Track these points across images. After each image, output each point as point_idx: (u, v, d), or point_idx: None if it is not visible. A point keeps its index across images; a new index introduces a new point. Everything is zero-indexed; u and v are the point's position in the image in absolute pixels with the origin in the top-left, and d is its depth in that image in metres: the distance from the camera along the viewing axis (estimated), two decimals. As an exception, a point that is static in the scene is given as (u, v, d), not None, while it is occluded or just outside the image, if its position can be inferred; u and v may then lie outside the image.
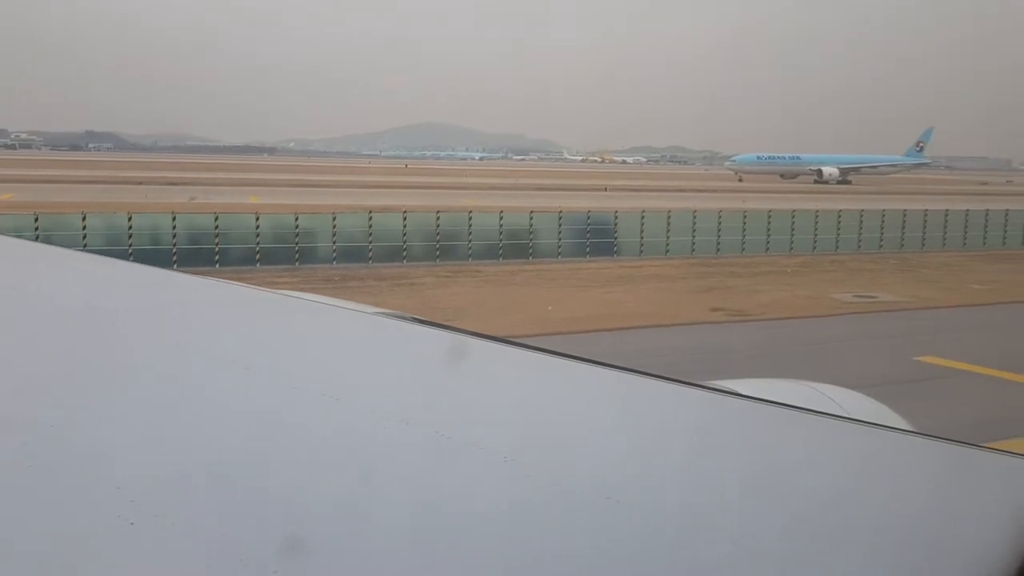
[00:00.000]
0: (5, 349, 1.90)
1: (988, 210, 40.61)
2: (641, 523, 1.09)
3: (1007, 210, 40.95)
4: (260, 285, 3.04)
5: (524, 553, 1.02)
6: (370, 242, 28.40)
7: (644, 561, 1.00)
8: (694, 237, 33.80)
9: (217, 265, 25.60)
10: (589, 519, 1.09)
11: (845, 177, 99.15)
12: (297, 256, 27.30)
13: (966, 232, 39.20)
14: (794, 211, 36.93)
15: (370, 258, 28.40)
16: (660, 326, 20.12)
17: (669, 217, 33.88)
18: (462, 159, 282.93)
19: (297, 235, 27.37)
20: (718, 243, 34.18)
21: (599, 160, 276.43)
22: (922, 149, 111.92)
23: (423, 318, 2.62)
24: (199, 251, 25.58)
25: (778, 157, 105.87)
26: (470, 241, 30.05)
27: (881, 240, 37.41)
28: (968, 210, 40.42)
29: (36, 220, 24.44)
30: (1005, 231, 39.94)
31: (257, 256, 26.63)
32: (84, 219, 24.77)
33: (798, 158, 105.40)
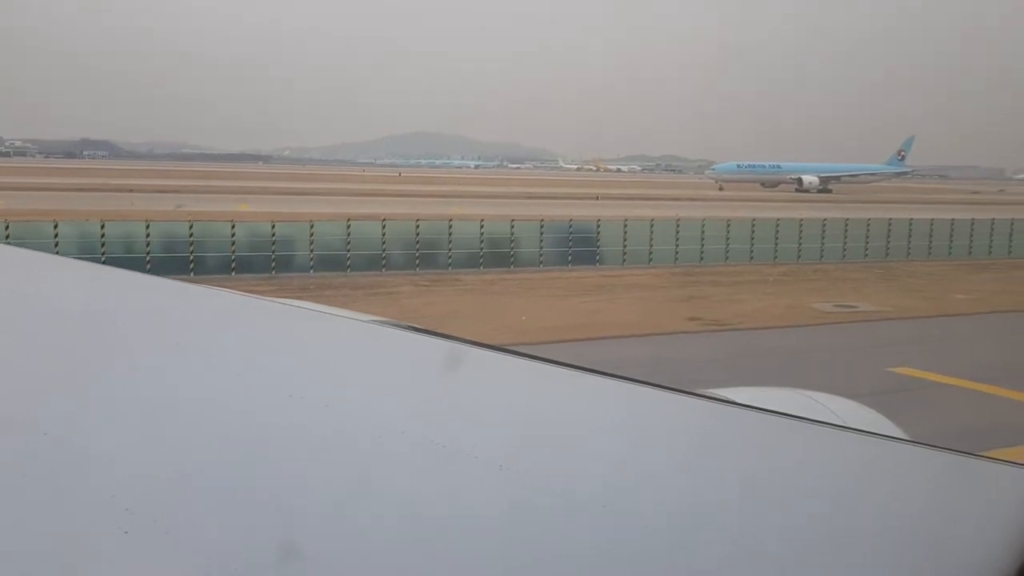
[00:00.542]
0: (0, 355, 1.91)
1: (974, 219, 40.53)
2: (637, 532, 1.09)
3: (993, 219, 40.87)
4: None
5: (520, 561, 1.03)
6: (348, 250, 28.19)
7: (640, 570, 1.00)
8: (677, 246, 33.64)
9: (191, 274, 25.35)
10: (585, 527, 1.09)
11: (825, 186, 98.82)
12: (274, 264, 27.05)
13: (951, 241, 39.09)
14: (778, 220, 36.79)
15: (348, 266, 28.17)
16: (633, 336, 19.91)
17: (652, 226, 33.72)
18: (458, 167, 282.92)
19: (274, 243, 27.12)
20: (701, 252, 34.02)
21: (594, 169, 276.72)
22: (903, 158, 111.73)
23: (419, 326, 2.59)
24: (173, 259, 25.30)
25: (758, 166, 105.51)
26: (450, 250, 29.87)
27: (866, 249, 37.28)
28: (953, 219, 40.34)
29: (7, 228, 24.20)
30: (991, 240, 39.85)
31: (233, 265, 26.38)
32: (56, 227, 24.53)
33: (778, 167, 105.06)
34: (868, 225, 37.96)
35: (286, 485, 1.24)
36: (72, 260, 3.40)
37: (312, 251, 27.73)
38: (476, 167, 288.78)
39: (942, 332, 22.17)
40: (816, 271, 33.34)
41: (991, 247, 39.61)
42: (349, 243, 28.23)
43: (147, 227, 25.53)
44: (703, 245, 34.12)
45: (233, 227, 26.84)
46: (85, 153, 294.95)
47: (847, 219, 38.48)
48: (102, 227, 24.78)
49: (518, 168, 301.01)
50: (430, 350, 2.09)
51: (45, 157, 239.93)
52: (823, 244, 36.33)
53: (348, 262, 28.17)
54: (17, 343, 1.99)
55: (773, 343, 19.90)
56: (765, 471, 1.29)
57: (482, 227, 30.90)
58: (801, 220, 37.08)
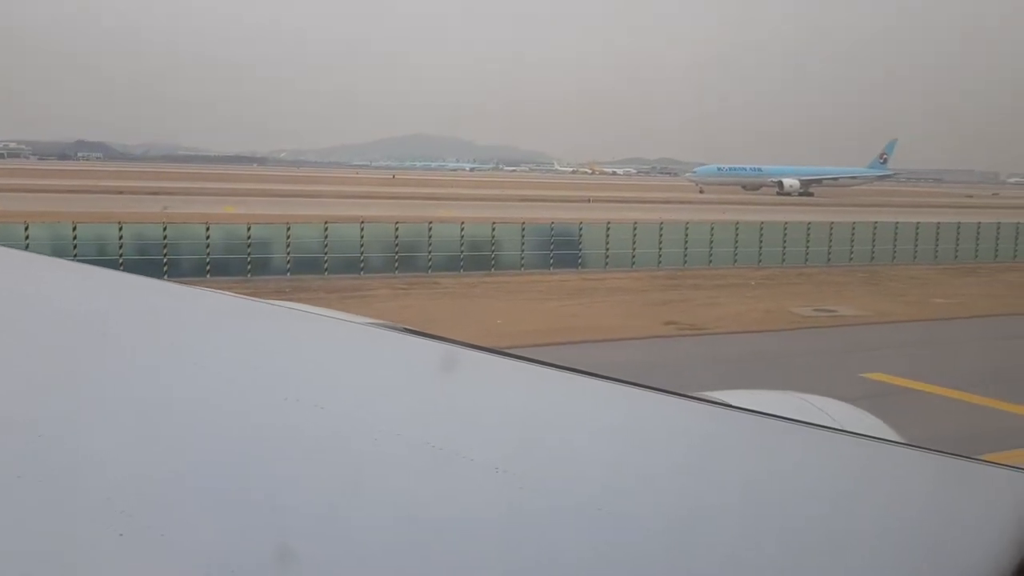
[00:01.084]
0: None
1: (960, 223, 40.43)
2: (632, 535, 1.09)
3: (979, 223, 40.77)
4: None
5: (515, 565, 1.03)
6: (326, 253, 27.96)
7: (635, 574, 1.00)
8: (661, 249, 33.45)
9: (165, 277, 25.07)
10: (581, 530, 1.09)
11: (806, 189, 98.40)
12: (249, 267, 26.79)
13: (937, 245, 38.97)
14: (762, 223, 36.62)
15: (326, 269, 27.94)
16: (607, 340, 19.72)
17: (635, 229, 33.54)
18: (453, 170, 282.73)
19: (249, 245, 26.85)
20: (685, 255, 33.84)
21: (589, 172, 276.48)
22: (886, 161, 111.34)
23: (414, 328, 2.58)
24: (146, 262, 24.96)
25: (739, 168, 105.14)
26: (430, 252, 29.65)
27: (851, 253, 37.14)
28: (939, 223, 40.24)
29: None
30: (977, 244, 39.73)
31: (208, 267, 26.12)
32: (27, 229, 24.26)
33: (759, 170, 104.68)
34: (853, 229, 37.83)
35: (281, 487, 1.24)
36: (68, 262, 3.43)
37: (289, 253, 27.48)
38: (471, 169, 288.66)
39: (919, 336, 22.02)
40: (800, 275, 33.18)
41: (977, 251, 39.49)
42: (327, 246, 27.98)
43: (120, 229, 25.21)
44: (687, 248, 33.94)
45: (208, 229, 26.57)
46: (80, 155, 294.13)
47: (831, 223, 38.31)
48: (74, 229, 24.49)
49: (513, 171, 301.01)
50: (425, 352, 2.08)
51: (40, 159, 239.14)
52: (808, 248, 36.18)
53: (326, 265, 27.93)
54: (12, 345, 2.00)
55: (746, 348, 19.71)
56: (761, 474, 1.28)
57: (462, 230, 30.69)
58: (786, 224, 36.93)
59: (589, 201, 72.55)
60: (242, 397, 1.65)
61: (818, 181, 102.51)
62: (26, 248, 23.60)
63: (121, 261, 24.75)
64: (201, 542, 1.08)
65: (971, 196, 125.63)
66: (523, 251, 31.39)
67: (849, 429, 1.82)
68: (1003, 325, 23.84)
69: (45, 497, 1.19)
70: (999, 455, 10.99)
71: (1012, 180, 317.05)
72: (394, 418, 1.52)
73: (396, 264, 29.10)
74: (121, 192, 64.40)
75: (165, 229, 26.23)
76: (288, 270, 27.39)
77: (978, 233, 40.11)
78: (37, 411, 1.54)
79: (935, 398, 15.23)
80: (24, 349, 1.97)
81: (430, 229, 30.06)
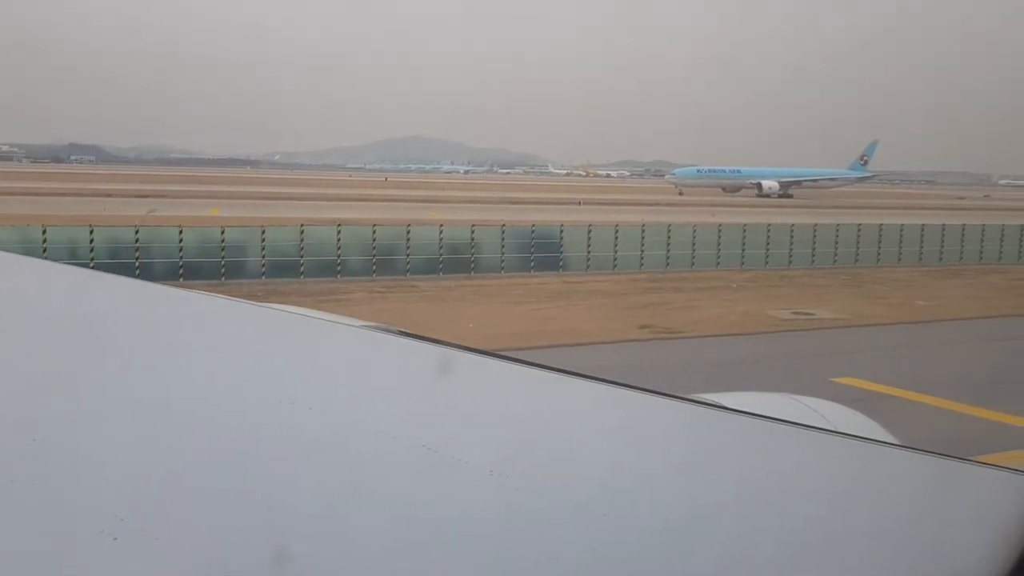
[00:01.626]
0: None
1: (944, 225, 40.30)
2: (629, 537, 1.09)
3: (963, 225, 40.65)
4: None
5: (511, 567, 1.04)
6: (302, 256, 27.67)
7: (632, 575, 1.01)
8: (642, 252, 33.23)
9: (137, 280, 24.71)
10: (576, 533, 1.10)
11: (786, 191, 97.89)
12: (223, 270, 26.47)
13: (922, 247, 38.82)
14: (745, 225, 36.43)
15: (302, 272, 27.65)
16: (578, 344, 19.47)
17: (617, 231, 33.32)
18: (447, 172, 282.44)
19: (223, 248, 26.54)
20: (667, 257, 33.62)
21: (583, 174, 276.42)
22: (866, 163, 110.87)
23: (409, 331, 2.54)
24: (118, 266, 24.62)
25: (719, 170, 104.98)
26: (408, 255, 29.38)
27: (835, 255, 36.97)
28: (923, 225, 40.11)
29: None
30: (962, 245, 39.59)
31: (181, 271, 25.79)
32: (-6, 231, 23.94)
33: (739, 171, 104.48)
34: (837, 231, 37.66)
35: (277, 490, 1.24)
36: (65, 265, 3.41)
37: (264, 257, 27.17)
38: (466, 172, 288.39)
39: (896, 340, 21.81)
40: (782, 277, 32.98)
41: (962, 252, 39.35)
42: (303, 248, 27.69)
43: (91, 232, 24.88)
44: (669, 251, 33.73)
45: (181, 232, 26.25)
46: (72, 158, 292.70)
47: (815, 224, 38.13)
48: (44, 232, 24.18)
49: (508, 173, 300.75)
50: (421, 354, 2.08)
51: (32, 162, 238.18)
52: (791, 250, 36.00)
53: (302, 268, 27.64)
54: (10, 348, 2.01)
55: (718, 351, 19.49)
56: (756, 476, 1.27)
57: (441, 232, 30.43)
58: (769, 225, 36.74)
59: (580, 204, 72.37)
60: (239, 400, 1.66)
61: (797, 183, 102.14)
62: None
63: (92, 265, 24.41)
64: (198, 544, 1.09)
65: (962, 198, 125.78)
66: (503, 254, 31.14)
67: (844, 431, 1.81)
68: (985, 328, 23.65)
69: (43, 499, 1.20)
70: (994, 456, 10.77)
71: (1003, 182, 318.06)
72: (390, 420, 1.52)
73: (374, 267, 28.83)
74: (110, 195, 64.03)
75: (137, 232, 25.89)
76: (263, 273, 27.08)
77: (963, 235, 39.97)
78: (35, 414, 1.56)
79: (903, 402, 15.00)
80: (22, 352, 1.98)
81: (408, 232, 29.79)
